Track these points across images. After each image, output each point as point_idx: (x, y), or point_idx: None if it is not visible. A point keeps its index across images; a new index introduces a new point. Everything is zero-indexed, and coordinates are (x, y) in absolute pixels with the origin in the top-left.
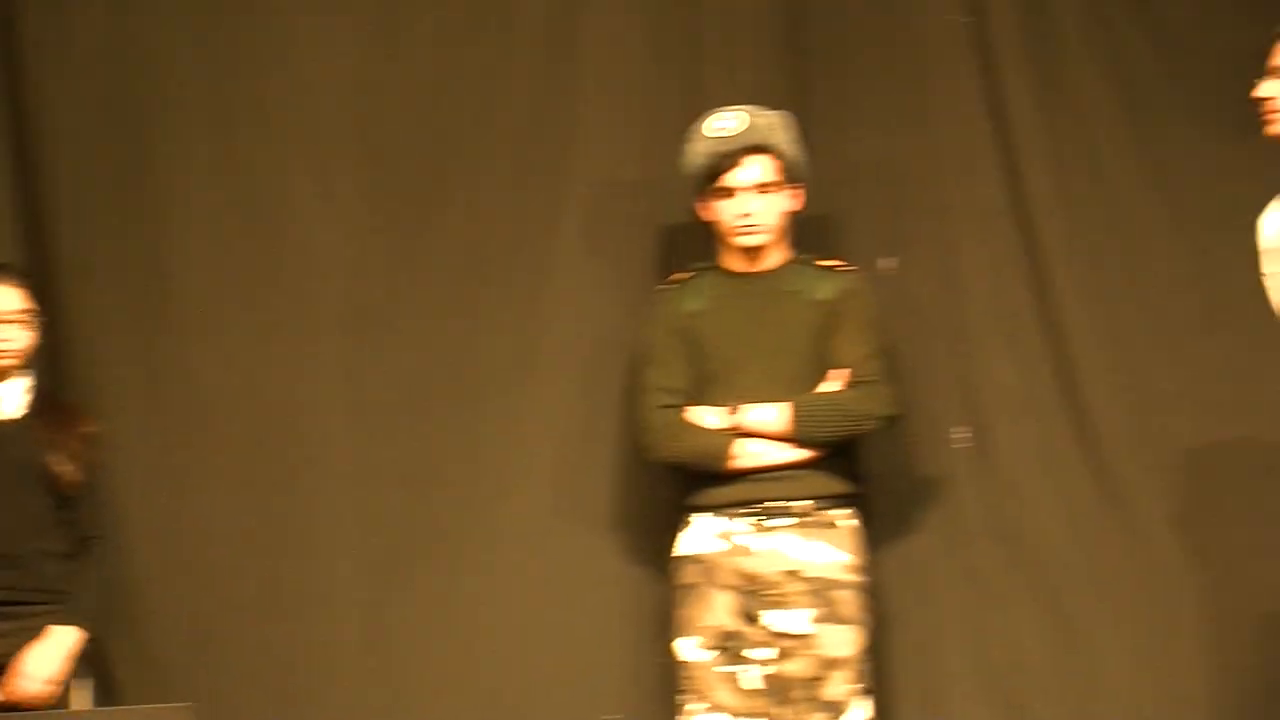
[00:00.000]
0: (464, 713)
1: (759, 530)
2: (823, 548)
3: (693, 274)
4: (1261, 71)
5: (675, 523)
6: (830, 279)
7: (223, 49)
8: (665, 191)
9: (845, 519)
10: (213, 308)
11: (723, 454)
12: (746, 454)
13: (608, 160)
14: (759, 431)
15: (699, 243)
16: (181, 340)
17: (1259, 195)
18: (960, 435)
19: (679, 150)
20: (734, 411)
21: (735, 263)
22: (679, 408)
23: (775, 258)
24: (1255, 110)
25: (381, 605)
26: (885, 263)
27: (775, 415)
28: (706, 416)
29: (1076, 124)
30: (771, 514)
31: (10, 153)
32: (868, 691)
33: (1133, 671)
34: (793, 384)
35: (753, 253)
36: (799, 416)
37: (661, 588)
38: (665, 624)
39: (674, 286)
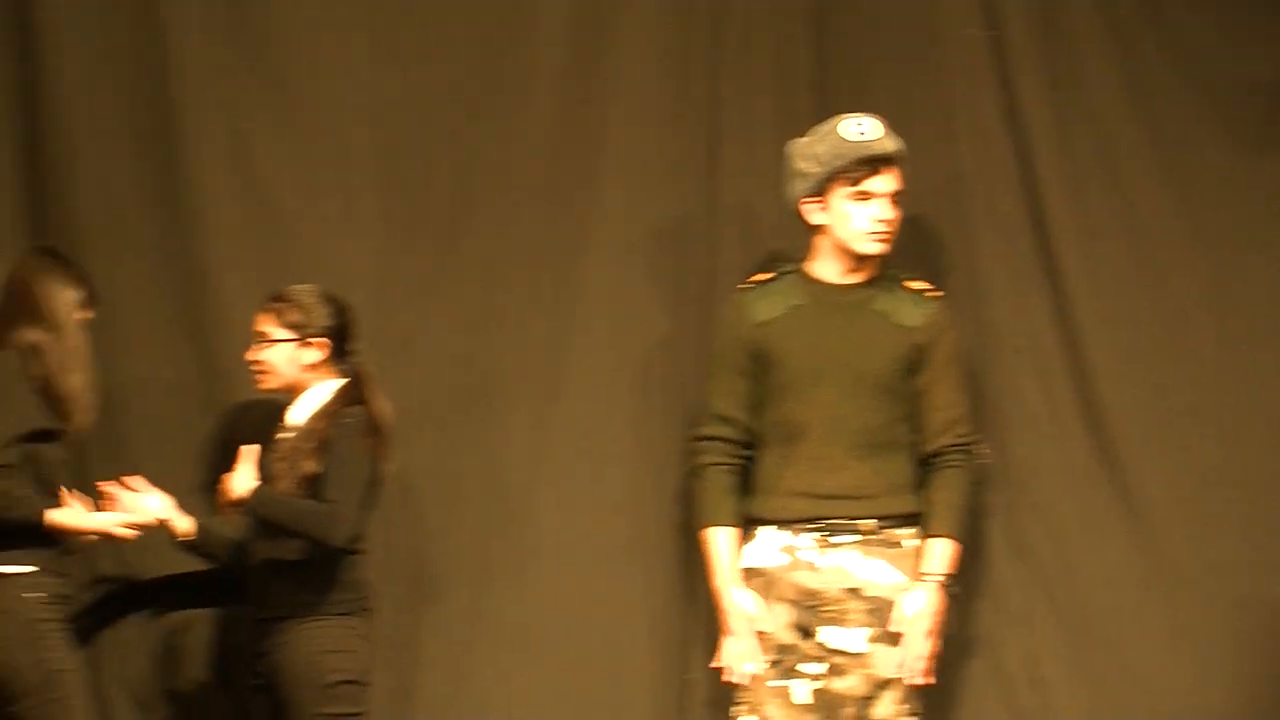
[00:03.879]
0: None
1: (823, 546)
2: (885, 567)
3: (774, 275)
4: None
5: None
6: (919, 304)
7: (245, 70)
8: (693, 204)
9: (909, 539)
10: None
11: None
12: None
13: (634, 176)
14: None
15: (733, 253)
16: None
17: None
18: (984, 453)
19: (701, 163)
20: None
21: (825, 270)
22: (720, 441)
23: (866, 271)
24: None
25: (412, 617)
26: None
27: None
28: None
29: (1096, 140)
30: (836, 530)
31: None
32: (914, 714)
33: (1153, 688)
34: (865, 405)
35: (862, 261)
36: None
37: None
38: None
39: (751, 289)
